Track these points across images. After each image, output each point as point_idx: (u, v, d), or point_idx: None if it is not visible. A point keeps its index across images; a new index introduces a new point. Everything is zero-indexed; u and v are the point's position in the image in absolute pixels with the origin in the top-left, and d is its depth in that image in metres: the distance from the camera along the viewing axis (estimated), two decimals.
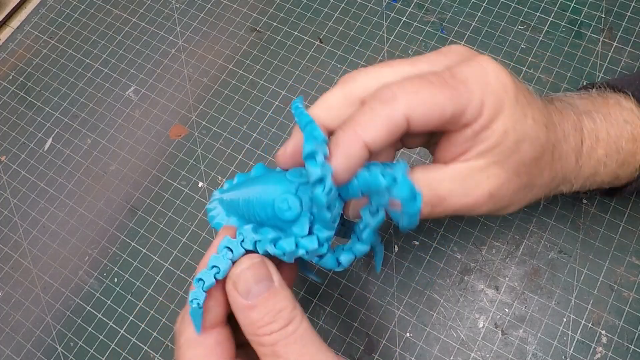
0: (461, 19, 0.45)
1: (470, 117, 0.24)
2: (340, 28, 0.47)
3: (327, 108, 0.26)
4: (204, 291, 0.24)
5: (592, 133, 0.29)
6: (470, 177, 0.25)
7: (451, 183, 0.25)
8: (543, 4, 0.45)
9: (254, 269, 0.24)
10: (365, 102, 0.24)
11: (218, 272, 0.24)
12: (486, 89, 0.24)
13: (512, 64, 0.43)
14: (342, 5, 0.48)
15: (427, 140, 0.30)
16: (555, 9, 0.45)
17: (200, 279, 0.24)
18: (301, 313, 0.24)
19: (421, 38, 0.45)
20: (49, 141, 0.46)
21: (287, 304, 0.24)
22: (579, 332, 0.35)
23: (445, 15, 0.46)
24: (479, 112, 0.24)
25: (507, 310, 0.36)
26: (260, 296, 0.23)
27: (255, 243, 0.25)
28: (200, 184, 0.43)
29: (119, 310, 0.40)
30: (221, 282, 0.25)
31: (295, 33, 0.47)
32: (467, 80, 0.24)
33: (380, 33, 0.46)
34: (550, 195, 0.30)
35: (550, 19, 0.44)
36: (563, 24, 0.44)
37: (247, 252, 0.25)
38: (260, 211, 0.26)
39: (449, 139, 0.26)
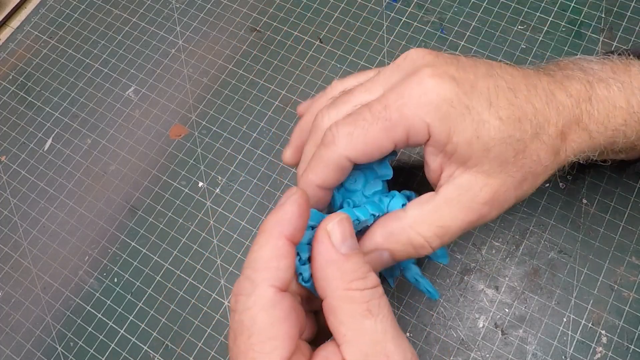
0: (461, 19, 0.45)
1: (419, 139, 0.25)
2: (340, 28, 0.47)
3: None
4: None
5: (605, 100, 0.28)
6: (464, 195, 0.26)
7: (449, 208, 0.26)
8: (543, 4, 0.45)
9: (349, 223, 0.23)
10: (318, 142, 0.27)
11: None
12: (427, 109, 0.25)
13: (512, 64, 0.43)
14: (342, 5, 0.48)
15: None
16: (555, 9, 0.44)
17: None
18: None
19: (421, 38, 0.45)
20: (49, 141, 0.46)
21: (371, 269, 0.23)
22: (579, 332, 0.35)
23: (445, 15, 0.46)
24: (425, 133, 0.25)
25: (507, 310, 0.36)
26: (353, 250, 0.22)
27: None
28: (200, 184, 0.43)
29: (119, 310, 0.40)
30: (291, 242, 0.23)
31: (295, 33, 0.47)
32: (405, 106, 0.25)
33: (380, 33, 0.46)
34: (565, 167, 0.29)
35: (550, 19, 0.44)
36: (563, 24, 0.44)
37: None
38: None
39: (426, 151, 0.27)
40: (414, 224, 0.26)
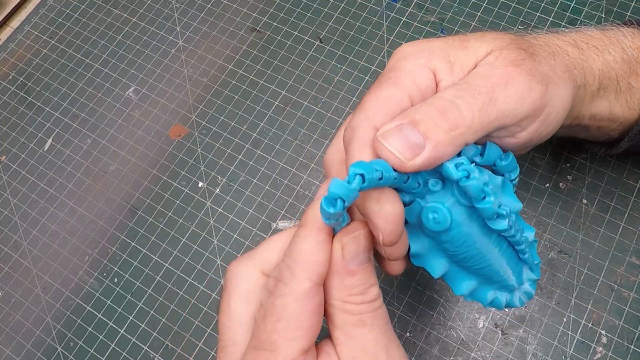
0: (461, 19, 0.45)
1: (425, 79, 0.25)
2: (340, 28, 0.47)
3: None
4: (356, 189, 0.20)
5: (582, 33, 0.29)
6: (488, 69, 0.24)
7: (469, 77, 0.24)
8: (543, 4, 0.45)
9: (366, 238, 0.23)
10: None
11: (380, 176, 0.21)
12: (416, 53, 0.26)
13: None
14: (342, 5, 0.48)
15: None
16: (555, 9, 0.45)
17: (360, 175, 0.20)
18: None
19: (421, 38, 0.45)
20: (49, 141, 0.46)
21: (376, 282, 0.23)
22: (579, 332, 0.35)
23: (445, 15, 0.46)
24: (428, 71, 0.25)
25: (507, 310, 0.36)
26: (361, 265, 0.23)
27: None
28: (200, 184, 0.43)
29: (119, 310, 0.40)
30: (330, 236, 0.23)
31: (295, 33, 0.47)
32: (397, 61, 0.26)
33: (380, 33, 0.46)
34: (578, 82, 0.28)
35: (550, 19, 0.44)
36: (563, 24, 0.44)
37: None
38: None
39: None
40: (432, 95, 0.24)
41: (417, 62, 0.25)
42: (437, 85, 0.25)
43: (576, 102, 0.28)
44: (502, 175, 0.25)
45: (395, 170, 0.22)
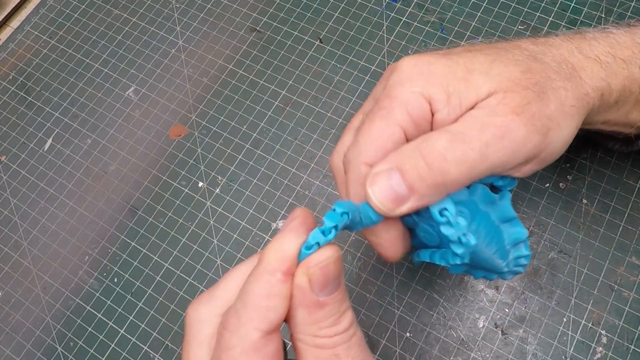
0: (461, 19, 0.45)
1: (421, 111, 0.24)
2: (340, 28, 0.47)
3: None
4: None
5: (603, 38, 0.28)
6: (481, 113, 0.23)
7: (465, 122, 0.23)
8: (543, 4, 0.45)
9: (336, 264, 0.21)
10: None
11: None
12: (412, 80, 0.24)
13: None
14: (342, 5, 0.48)
15: None
16: (555, 9, 0.45)
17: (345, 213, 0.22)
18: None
19: (421, 38, 0.45)
20: (49, 141, 0.46)
21: (349, 306, 0.22)
22: (579, 332, 0.35)
23: (445, 15, 0.46)
24: (424, 101, 0.24)
25: (507, 310, 0.36)
26: (332, 294, 0.21)
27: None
28: (200, 184, 0.43)
29: (119, 310, 0.40)
30: (289, 276, 0.21)
31: (295, 33, 0.47)
32: (392, 89, 0.25)
33: (380, 33, 0.46)
34: (594, 104, 0.27)
35: (550, 19, 0.44)
36: (563, 24, 0.44)
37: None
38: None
39: (437, 123, 0.25)
40: (425, 138, 0.23)
41: (412, 90, 0.24)
42: (432, 116, 0.24)
43: (588, 115, 0.27)
44: (501, 189, 0.26)
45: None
